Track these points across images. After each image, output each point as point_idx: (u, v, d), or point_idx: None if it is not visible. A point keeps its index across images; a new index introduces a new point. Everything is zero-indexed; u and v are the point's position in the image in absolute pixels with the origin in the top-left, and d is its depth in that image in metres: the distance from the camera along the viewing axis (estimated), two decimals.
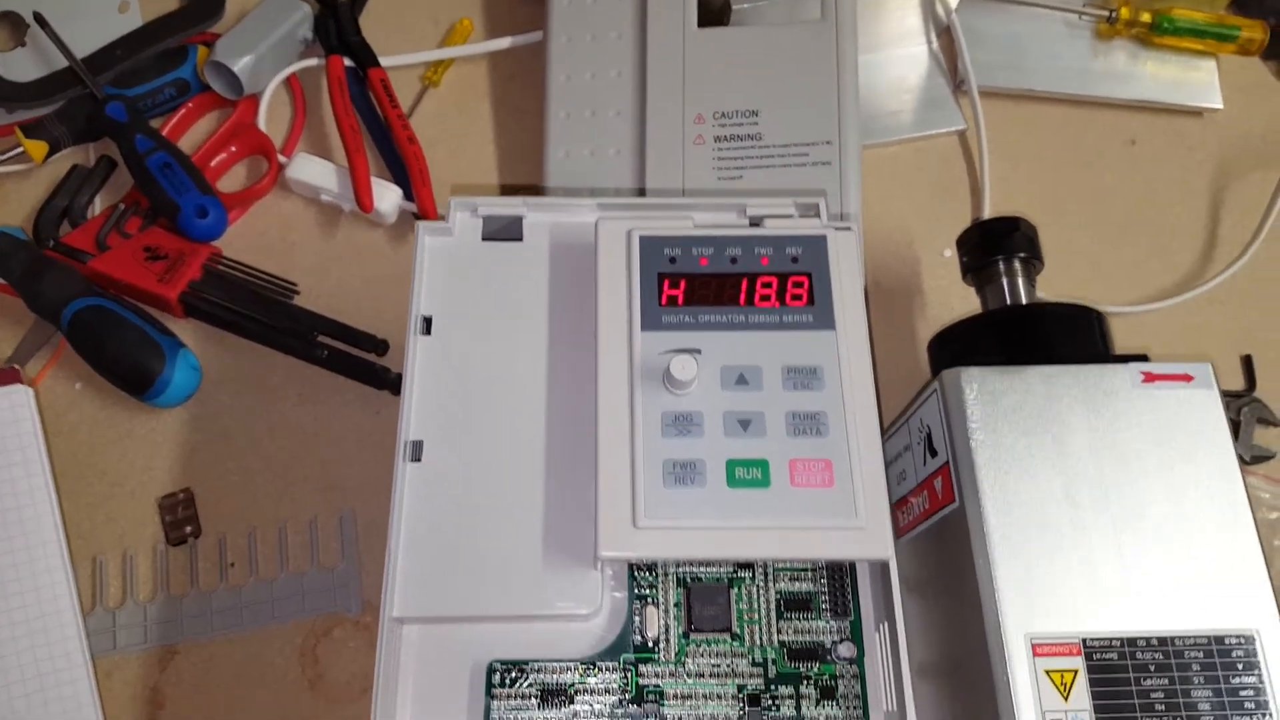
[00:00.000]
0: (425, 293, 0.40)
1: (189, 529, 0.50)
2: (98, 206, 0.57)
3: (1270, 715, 0.37)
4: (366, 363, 0.52)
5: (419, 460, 0.38)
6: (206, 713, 0.47)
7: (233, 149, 0.58)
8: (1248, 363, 0.56)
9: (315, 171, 0.56)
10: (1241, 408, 0.54)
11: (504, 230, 0.42)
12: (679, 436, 0.35)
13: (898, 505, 0.48)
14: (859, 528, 0.34)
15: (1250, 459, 0.53)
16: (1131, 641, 0.38)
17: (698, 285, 0.37)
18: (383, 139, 0.58)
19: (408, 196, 0.55)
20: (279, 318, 0.53)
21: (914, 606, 0.48)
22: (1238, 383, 0.56)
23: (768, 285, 0.37)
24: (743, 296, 0.37)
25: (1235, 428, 0.54)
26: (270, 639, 0.49)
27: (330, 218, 0.58)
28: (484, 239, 0.41)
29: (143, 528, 0.51)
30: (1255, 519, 0.52)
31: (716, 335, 0.37)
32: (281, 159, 0.57)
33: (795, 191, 0.50)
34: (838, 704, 0.35)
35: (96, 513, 0.51)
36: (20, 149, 0.55)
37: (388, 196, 0.55)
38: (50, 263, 0.52)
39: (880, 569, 0.37)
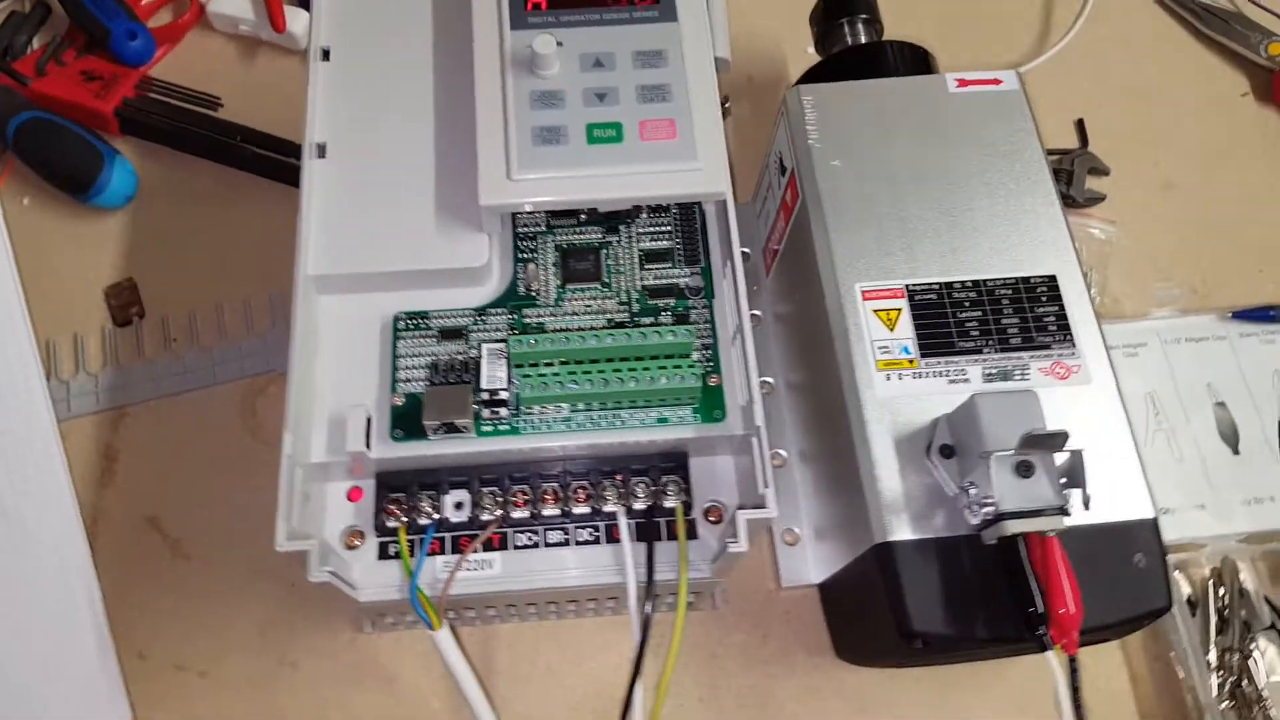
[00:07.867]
0: (324, 24, 0.46)
1: (134, 310, 0.55)
2: (35, 46, 0.62)
3: (1070, 335, 0.43)
4: (285, 164, 0.58)
5: (324, 157, 0.43)
6: (157, 463, 0.52)
7: None
8: (1080, 125, 0.63)
9: (234, 3, 0.61)
10: (1074, 159, 0.61)
11: None
12: (545, 109, 0.41)
13: (768, 247, 0.55)
14: (698, 169, 0.41)
15: (1084, 201, 0.60)
16: (949, 285, 0.45)
17: None
18: None
19: None
20: (206, 126, 0.58)
21: (783, 330, 0.54)
22: (1074, 143, 0.63)
23: None
24: None
25: (1069, 176, 0.61)
26: (212, 398, 0.54)
27: (250, 49, 0.63)
28: None
29: (91, 315, 0.56)
30: (1087, 252, 0.60)
31: (576, 31, 0.43)
32: None
33: None
34: (690, 329, 0.41)
35: (49, 304, 0.55)
36: None
37: (299, 19, 0.61)
38: None
39: (720, 213, 0.43)
